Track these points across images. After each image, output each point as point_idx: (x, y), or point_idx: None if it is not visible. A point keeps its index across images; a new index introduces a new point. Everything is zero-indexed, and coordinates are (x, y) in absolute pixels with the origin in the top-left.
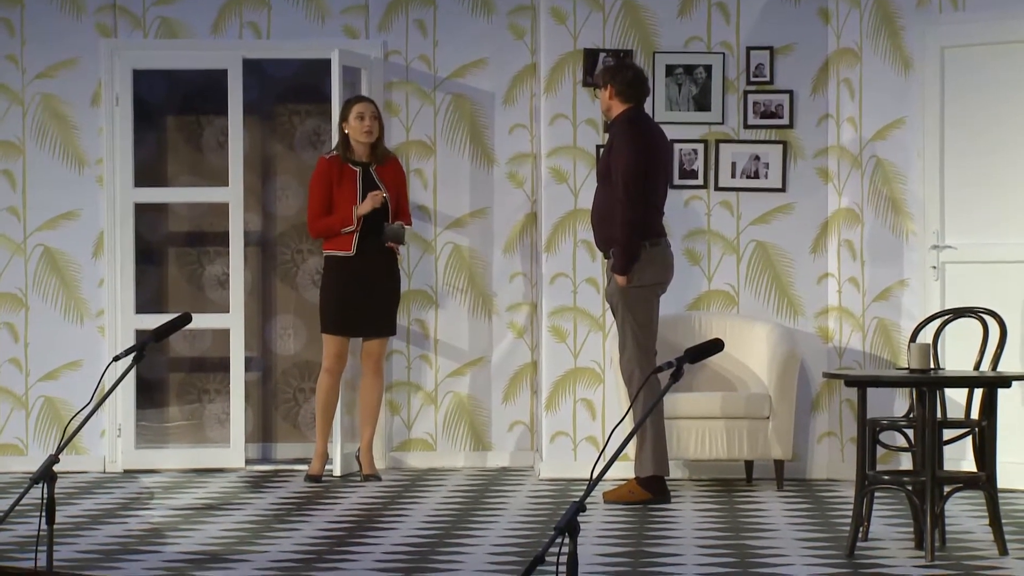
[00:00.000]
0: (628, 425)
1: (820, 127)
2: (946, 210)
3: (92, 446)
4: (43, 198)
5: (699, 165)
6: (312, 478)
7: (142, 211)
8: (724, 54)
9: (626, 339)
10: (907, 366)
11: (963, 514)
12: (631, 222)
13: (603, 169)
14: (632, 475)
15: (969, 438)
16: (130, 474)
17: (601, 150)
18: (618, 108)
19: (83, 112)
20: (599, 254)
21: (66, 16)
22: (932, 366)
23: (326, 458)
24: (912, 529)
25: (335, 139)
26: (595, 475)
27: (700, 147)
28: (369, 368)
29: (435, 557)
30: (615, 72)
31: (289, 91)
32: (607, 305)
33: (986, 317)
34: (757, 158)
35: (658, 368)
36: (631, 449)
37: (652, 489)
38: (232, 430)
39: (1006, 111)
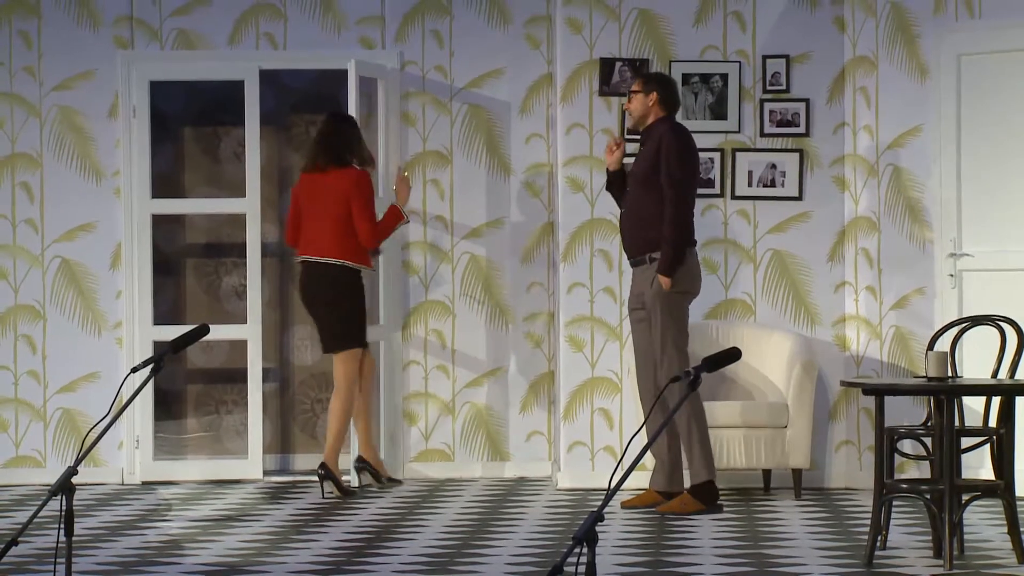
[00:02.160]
0: (645, 434)
1: (836, 135)
2: (963, 218)
3: (110, 458)
4: (61, 210)
5: (716, 174)
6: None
7: (159, 222)
8: (740, 63)
9: (666, 345)
10: (925, 374)
11: (981, 522)
12: (681, 224)
13: (646, 173)
14: (646, 485)
15: (987, 446)
16: (148, 486)
17: (633, 155)
18: (656, 114)
19: (100, 124)
20: (616, 263)
21: (83, 28)
22: (950, 374)
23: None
24: (931, 537)
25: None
26: (613, 485)
27: (716, 156)
28: (370, 378)
29: (453, 568)
30: (663, 81)
31: (306, 101)
32: (625, 314)
33: (1004, 325)
34: (774, 166)
35: (675, 377)
36: (648, 459)
37: (703, 497)
38: (250, 441)
39: (1023, 118)
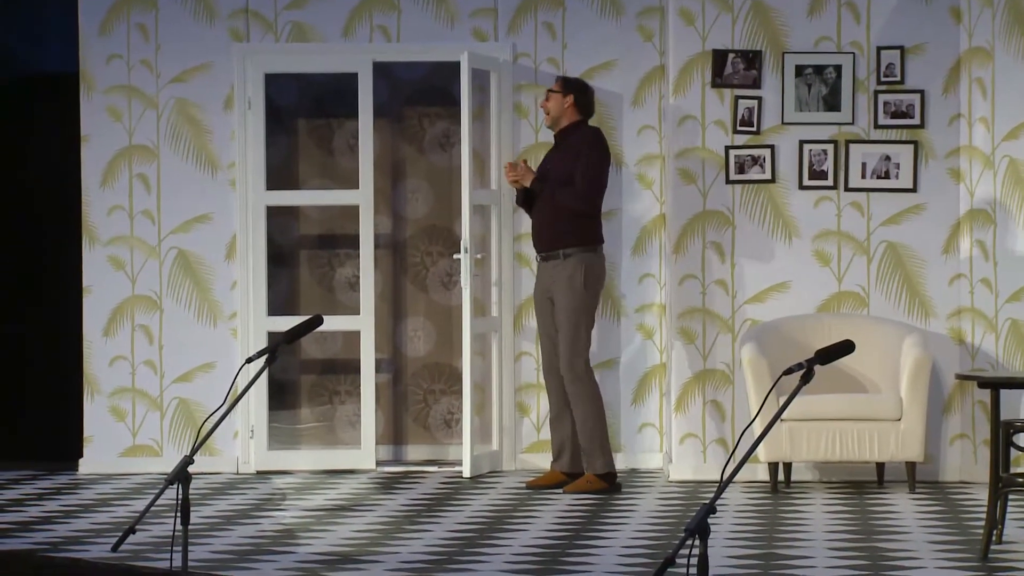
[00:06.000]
0: (756, 426)
1: (952, 127)
2: None
3: (225, 447)
4: (177, 201)
5: (828, 166)
6: None
7: (274, 214)
8: (854, 54)
9: (579, 336)
10: None
11: None
12: (586, 201)
13: (565, 174)
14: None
15: None
16: (263, 475)
17: (571, 156)
18: (571, 118)
19: (216, 116)
20: (728, 255)
21: (199, 21)
22: None
23: None
24: None
25: (465, 141)
26: (725, 477)
27: (830, 147)
28: None
29: (565, 559)
30: (581, 87)
31: (419, 94)
32: (737, 306)
33: None
34: (888, 158)
35: (788, 369)
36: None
37: (606, 480)
38: (363, 432)
39: None
